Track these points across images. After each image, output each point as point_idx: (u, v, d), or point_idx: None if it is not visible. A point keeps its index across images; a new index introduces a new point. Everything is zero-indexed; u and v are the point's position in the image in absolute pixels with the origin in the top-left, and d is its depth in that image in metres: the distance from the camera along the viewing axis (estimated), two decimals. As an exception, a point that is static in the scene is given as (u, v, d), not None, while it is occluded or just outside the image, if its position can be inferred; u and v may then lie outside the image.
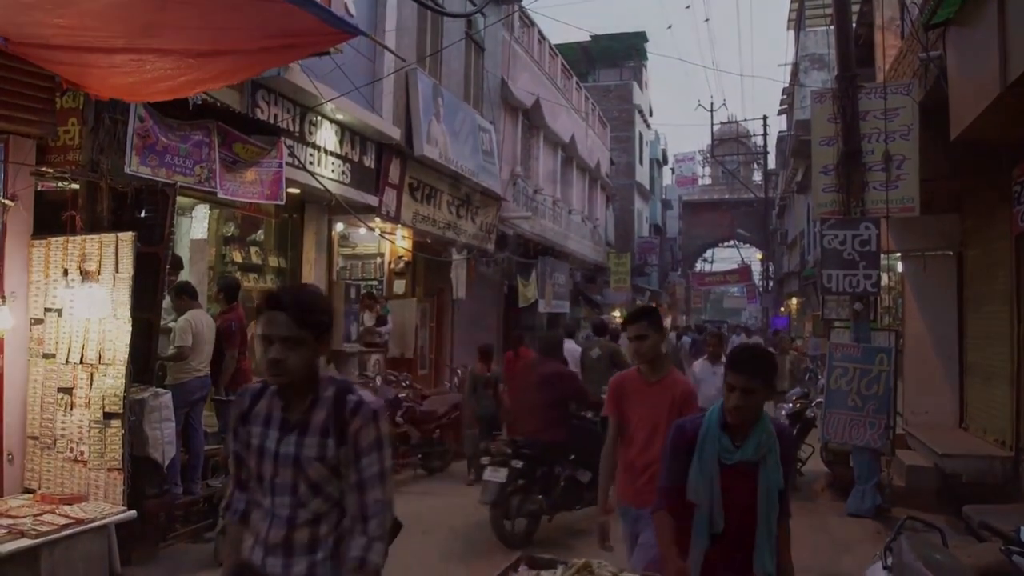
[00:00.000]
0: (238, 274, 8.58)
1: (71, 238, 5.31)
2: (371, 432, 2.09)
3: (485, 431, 8.83)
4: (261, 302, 2.11)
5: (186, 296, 6.42)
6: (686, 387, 3.66)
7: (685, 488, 2.67)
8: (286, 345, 2.04)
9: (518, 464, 6.16)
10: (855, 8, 10.68)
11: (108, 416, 5.02)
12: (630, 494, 3.61)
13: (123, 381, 4.97)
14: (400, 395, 8.93)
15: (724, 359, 6.44)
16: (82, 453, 5.07)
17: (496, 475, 6.14)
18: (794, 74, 23.77)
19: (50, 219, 5.46)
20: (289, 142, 8.08)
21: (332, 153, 9.35)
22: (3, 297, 5.10)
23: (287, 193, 7.81)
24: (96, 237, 5.24)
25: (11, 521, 4.45)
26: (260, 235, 9.41)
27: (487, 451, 6.62)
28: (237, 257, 8.88)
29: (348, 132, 9.67)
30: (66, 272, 5.26)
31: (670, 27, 47.99)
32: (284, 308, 2.06)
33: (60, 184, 5.53)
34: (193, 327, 6.26)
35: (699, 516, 2.60)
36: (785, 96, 27.72)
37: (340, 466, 2.08)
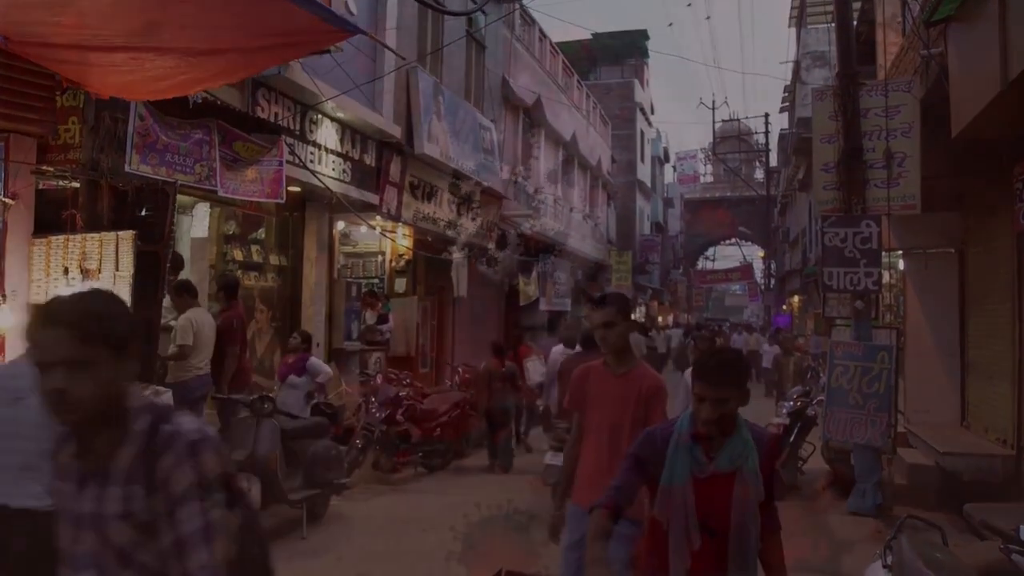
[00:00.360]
0: (239, 273, 8.59)
1: (71, 237, 5.31)
2: (187, 472, 1.55)
3: (491, 425, 9.13)
4: (30, 321, 1.61)
5: (186, 294, 6.43)
6: (654, 381, 3.40)
7: (636, 493, 2.52)
8: (70, 370, 1.52)
9: None
10: (856, 5, 10.66)
11: (109, 414, 5.02)
12: (585, 496, 3.26)
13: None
14: (401, 393, 8.96)
15: None
16: (83, 451, 5.08)
17: (556, 459, 6.50)
18: (795, 71, 23.75)
19: (51, 218, 5.47)
20: (290, 140, 8.09)
21: (333, 151, 9.36)
22: (4, 295, 5.11)
23: (288, 191, 7.82)
24: (96, 236, 5.25)
25: (12, 519, 4.45)
26: (261, 233, 9.41)
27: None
28: (238, 255, 8.88)
29: (349, 130, 9.67)
30: (67, 270, 5.27)
31: (671, 25, 47.99)
32: (61, 323, 1.55)
33: (61, 183, 5.54)
34: (194, 325, 6.27)
35: (675, 534, 2.41)
36: (787, 93, 27.70)
37: (157, 523, 1.56)
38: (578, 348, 8.05)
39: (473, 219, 13.49)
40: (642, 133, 31.77)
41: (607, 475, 2.94)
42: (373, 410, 8.48)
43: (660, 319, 34.84)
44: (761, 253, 37.82)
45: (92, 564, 1.60)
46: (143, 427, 1.61)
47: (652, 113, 35.07)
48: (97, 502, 1.58)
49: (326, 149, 9.20)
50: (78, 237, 5.29)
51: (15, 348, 5.29)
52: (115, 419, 1.60)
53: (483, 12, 12.94)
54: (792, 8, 24.55)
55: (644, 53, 33.47)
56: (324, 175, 8.86)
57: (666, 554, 2.44)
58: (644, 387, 3.33)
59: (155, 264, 5.44)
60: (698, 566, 2.40)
